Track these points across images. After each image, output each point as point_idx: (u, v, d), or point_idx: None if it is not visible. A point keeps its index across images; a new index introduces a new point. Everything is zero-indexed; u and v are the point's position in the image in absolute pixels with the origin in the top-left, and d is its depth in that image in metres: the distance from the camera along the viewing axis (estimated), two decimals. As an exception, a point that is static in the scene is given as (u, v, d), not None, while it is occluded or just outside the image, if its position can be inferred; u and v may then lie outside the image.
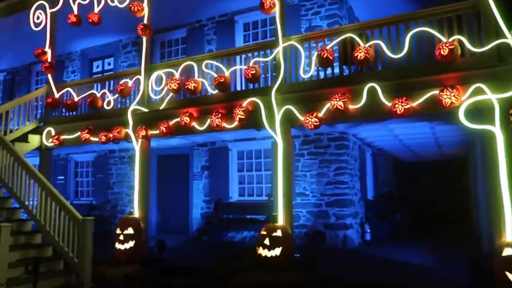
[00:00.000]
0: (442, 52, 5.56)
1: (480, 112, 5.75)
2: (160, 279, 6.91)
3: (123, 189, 12.26)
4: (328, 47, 6.53)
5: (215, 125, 7.15)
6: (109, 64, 13.55)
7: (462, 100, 5.48)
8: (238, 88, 7.60)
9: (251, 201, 10.33)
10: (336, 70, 7.23)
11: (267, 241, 6.15)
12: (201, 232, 10.68)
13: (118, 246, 7.56)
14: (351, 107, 6.13)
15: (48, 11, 10.00)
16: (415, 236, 11.17)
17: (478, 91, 5.41)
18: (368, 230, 9.66)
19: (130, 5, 8.52)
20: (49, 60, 9.86)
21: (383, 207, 11.36)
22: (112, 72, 13.18)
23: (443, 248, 9.34)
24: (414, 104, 5.73)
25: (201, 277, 6.51)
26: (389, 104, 5.86)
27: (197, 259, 7.95)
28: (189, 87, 7.55)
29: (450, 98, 5.42)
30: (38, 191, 7.34)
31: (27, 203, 7.53)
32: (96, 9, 9.21)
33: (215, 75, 7.53)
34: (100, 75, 13.65)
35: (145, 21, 8.60)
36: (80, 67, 13.86)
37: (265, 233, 6.29)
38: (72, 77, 13.95)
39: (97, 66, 13.82)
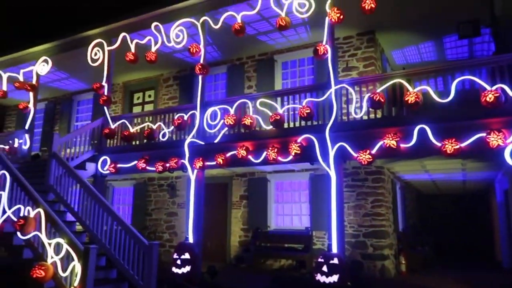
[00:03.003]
0: (487, 99, 6.21)
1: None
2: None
3: (161, 216, 12.79)
4: (378, 91, 7.23)
5: (271, 158, 7.79)
6: (149, 96, 14.38)
7: (507, 142, 6.09)
8: (291, 125, 8.27)
9: (289, 231, 10.79)
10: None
11: (325, 268, 6.65)
12: (239, 259, 11.11)
13: (175, 270, 8.08)
14: (402, 145, 6.76)
15: (106, 48, 10.90)
16: (443, 266, 11.53)
17: (522, 135, 6.03)
18: (403, 261, 10.06)
19: (189, 47, 9.36)
20: (105, 93, 10.68)
21: (412, 239, 11.79)
22: (152, 104, 14.11)
23: (478, 278, 9.71)
24: (463, 145, 6.34)
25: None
26: (438, 144, 6.48)
27: (249, 284, 8.38)
28: (246, 122, 8.25)
29: (497, 141, 6.04)
30: (104, 217, 7.91)
31: (91, 227, 8.09)
32: (153, 49, 10.08)
33: (270, 113, 8.25)
34: (140, 106, 14.52)
35: (202, 61, 9.40)
36: (122, 98, 14.70)
37: (322, 260, 6.78)
38: (113, 108, 14.77)
39: (138, 98, 14.65)
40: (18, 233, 6.84)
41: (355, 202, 9.98)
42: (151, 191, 13.20)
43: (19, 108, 17.17)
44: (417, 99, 6.73)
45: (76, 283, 5.97)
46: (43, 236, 6.64)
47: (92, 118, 15.20)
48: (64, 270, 6.27)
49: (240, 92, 12.10)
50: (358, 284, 7.20)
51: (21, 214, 6.97)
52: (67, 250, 6.31)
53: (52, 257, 6.40)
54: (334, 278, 6.53)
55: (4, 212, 7.18)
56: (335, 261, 6.67)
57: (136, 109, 14.50)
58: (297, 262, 10.11)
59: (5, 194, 7.32)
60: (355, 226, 9.87)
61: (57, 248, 6.45)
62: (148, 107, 14.19)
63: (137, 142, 10.18)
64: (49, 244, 6.52)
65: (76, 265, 6.08)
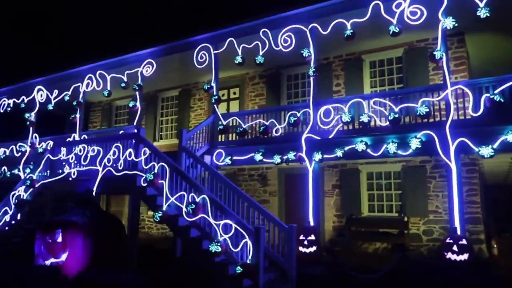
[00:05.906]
0: None
1: None
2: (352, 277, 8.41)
3: (253, 204, 13.94)
4: (496, 91, 8.07)
5: (392, 152, 8.76)
6: (234, 93, 15.50)
7: None
8: (406, 121, 9.21)
9: (382, 217, 11.76)
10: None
11: (455, 248, 7.61)
12: (334, 243, 12.17)
13: (302, 249, 9.20)
14: (524, 141, 7.62)
15: (212, 52, 12.01)
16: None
17: None
18: (495, 245, 10.90)
19: (301, 51, 10.35)
20: (215, 93, 11.81)
21: (494, 226, 12.58)
22: (238, 101, 15.22)
23: None
24: None
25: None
26: (562, 139, 7.31)
27: (371, 261, 9.31)
28: (363, 120, 9.23)
29: None
30: (244, 206, 9.08)
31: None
32: (261, 52, 11.11)
33: (385, 112, 9.20)
34: (225, 103, 15.66)
35: (312, 64, 10.38)
36: (207, 95, 15.82)
37: (451, 241, 7.75)
38: (199, 104, 15.98)
39: (222, 95, 15.75)
40: (184, 215, 8.05)
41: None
42: (241, 180, 14.34)
43: (102, 105, 18.75)
44: (539, 99, 7.55)
45: (250, 256, 7.11)
46: (210, 218, 7.82)
47: (178, 114, 16.49)
48: (234, 247, 7.44)
49: (329, 90, 13.05)
50: (476, 263, 8.13)
51: (185, 201, 8.17)
52: (235, 229, 7.47)
53: (221, 235, 7.56)
54: (465, 256, 7.49)
55: (167, 198, 8.41)
56: (464, 241, 7.63)
57: (222, 106, 15.63)
58: (393, 245, 11.07)
59: (165, 183, 8.54)
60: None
61: (224, 228, 7.61)
62: (234, 104, 15.33)
63: (249, 137, 11.31)
64: (216, 224, 7.69)
65: (248, 242, 7.22)
